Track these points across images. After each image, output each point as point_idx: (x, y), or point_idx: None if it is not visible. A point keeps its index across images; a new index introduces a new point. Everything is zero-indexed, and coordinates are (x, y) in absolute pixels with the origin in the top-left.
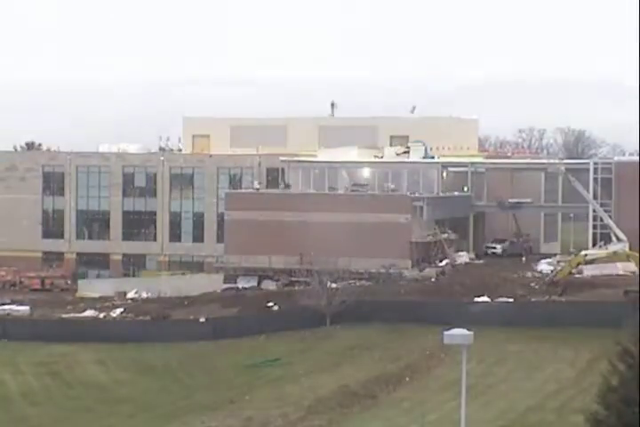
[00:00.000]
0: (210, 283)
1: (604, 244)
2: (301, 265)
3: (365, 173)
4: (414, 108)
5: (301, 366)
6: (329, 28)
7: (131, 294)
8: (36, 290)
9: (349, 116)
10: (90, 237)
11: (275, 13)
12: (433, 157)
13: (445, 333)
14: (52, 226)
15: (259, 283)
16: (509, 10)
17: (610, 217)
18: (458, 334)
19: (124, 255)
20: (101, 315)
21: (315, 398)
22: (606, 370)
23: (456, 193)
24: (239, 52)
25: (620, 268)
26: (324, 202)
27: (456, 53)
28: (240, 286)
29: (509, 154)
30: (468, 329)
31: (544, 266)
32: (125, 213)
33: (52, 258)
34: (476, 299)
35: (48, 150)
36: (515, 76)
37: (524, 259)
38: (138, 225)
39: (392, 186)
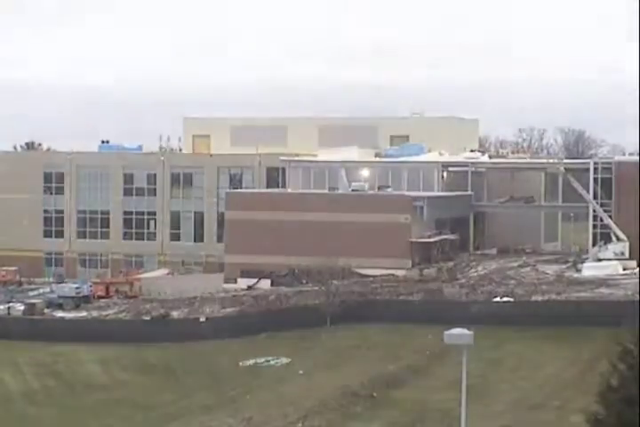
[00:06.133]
0: (210, 283)
1: (604, 244)
2: (301, 265)
3: (365, 172)
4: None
5: (301, 366)
6: (328, 27)
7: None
8: None
9: (349, 116)
10: (90, 237)
11: (273, 14)
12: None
13: (445, 333)
14: (52, 226)
15: (258, 283)
16: (510, 10)
17: (610, 217)
18: (458, 333)
19: (124, 255)
20: (101, 315)
21: (315, 398)
22: (606, 370)
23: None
24: (239, 52)
25: (621, 268)
26: (324, 202)
27: (456, 53)
28: (242, 285)
29: (507, 152)
30: (468, 329)
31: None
32: (125, 213)
33: (52, 258)
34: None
35: (48, 150)
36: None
37: None
38: (138, 225)
39: (389, 187)
